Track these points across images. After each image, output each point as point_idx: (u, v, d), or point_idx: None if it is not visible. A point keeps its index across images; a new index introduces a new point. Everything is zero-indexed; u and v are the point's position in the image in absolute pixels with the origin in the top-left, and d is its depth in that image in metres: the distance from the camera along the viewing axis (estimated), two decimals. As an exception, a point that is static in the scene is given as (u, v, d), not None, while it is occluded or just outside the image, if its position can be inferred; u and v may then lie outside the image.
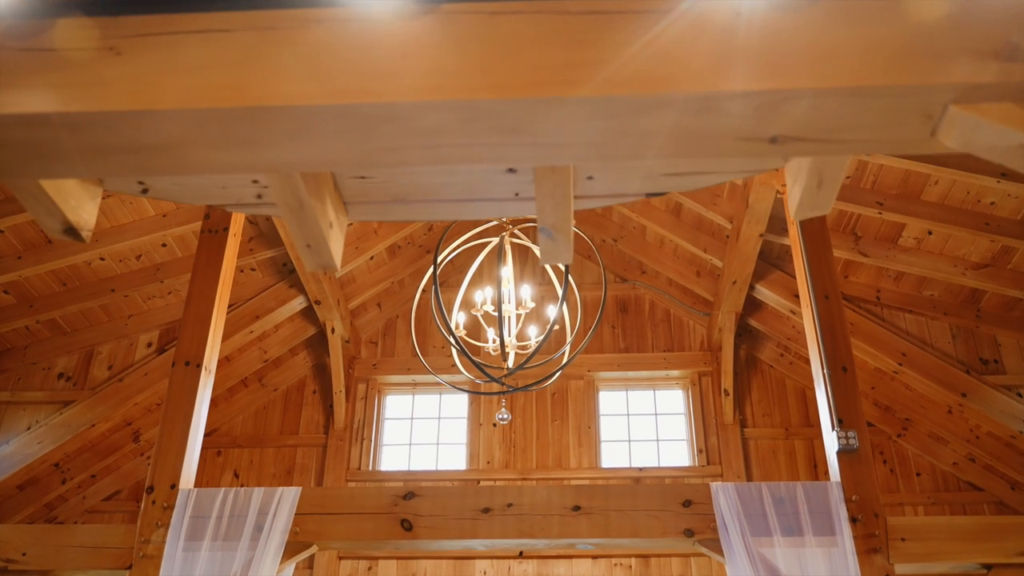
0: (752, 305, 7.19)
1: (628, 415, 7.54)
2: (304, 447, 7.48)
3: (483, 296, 4.78)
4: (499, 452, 7.33)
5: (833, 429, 4.19)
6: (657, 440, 7.40)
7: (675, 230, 7.16)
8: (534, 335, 4.87)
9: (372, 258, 7.57)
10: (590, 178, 2.11)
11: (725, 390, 7.24)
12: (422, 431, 7.59)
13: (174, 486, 4.26)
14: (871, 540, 3.94)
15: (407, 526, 4.13)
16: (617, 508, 4.10)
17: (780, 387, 7.51)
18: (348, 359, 7.64)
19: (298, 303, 7.09)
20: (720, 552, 3.98)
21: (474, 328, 5.27)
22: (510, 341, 4.58)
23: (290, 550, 4.10)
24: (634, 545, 4.18)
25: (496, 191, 2.16)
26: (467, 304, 5.00)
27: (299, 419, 7.62)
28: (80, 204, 2.07)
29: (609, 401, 7.62)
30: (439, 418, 7.63)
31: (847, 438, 4.10)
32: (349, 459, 7.33)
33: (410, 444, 7.53)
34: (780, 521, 4.00)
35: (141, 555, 4.09)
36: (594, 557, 6.86)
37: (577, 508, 4.12)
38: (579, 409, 7.48)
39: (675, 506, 4.12)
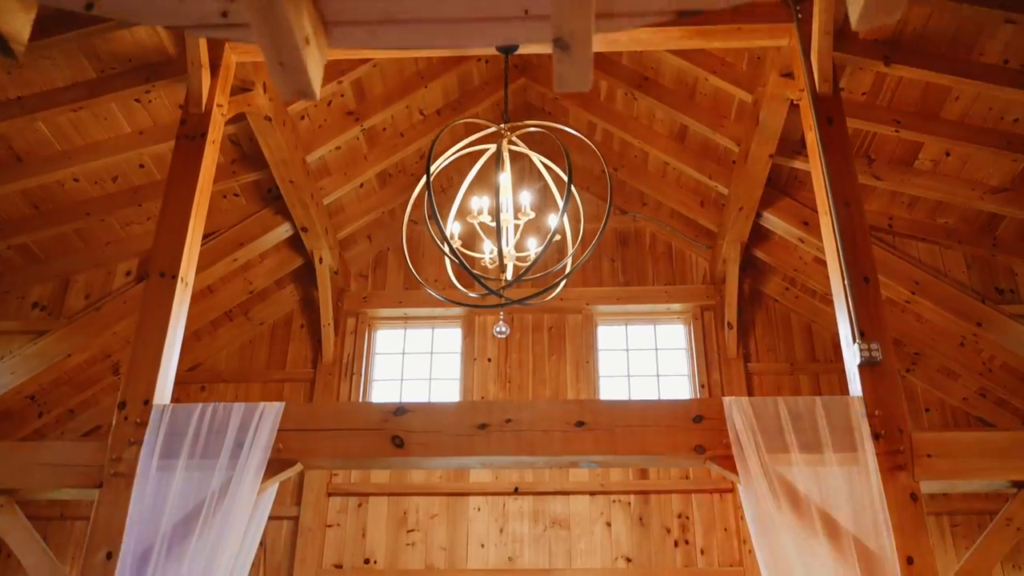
0: (758, 235, 6.90)
1: (627, 350, 7.27)
2: (292, 382, 7.21)
3: (479, 204, 4.47)
4: (494, 387, 7.07)
5: (854, 342, 3.91)
6: (657, 375, 7.14)
7: (679, 156, 6.84)
8: (533, 247, 4.57)
9: (362, 186, 7.24)
10: (612, -12, 1.79)
11: (728, 323, 6.98)
12: (414, 366, 7.32)
13: (147, 402, 3.97)
14: (895, 457, 3.68)
15: (398, 443, 3.85)
16: (624, 424, 3.83)
17: (785, 322, 7.25)
18: (337, 292, 7.34)
19: (284, 230, 6.77)
20: (733, 470, 3.72)
21: (469, 241, 4.97)
22: (508, 252, 4.28)
23: (272, 468, 3.83)
24: (642, 462, 3.92)
25: (503, 7, 1.84)
26: (462, 214, 4.69)
27: (286, 354, 7.34)
28: (11, 13, 1.75)
29: (608, 336, 7.36)
30: (431, 353, 7.35)
31: (870, 350, 3.83)
32: (338, 394, 7.06)
33: (401, 379, 7.26)
34: (798, 437, 3.74)
35: (112, 473, 3.82)
36: (591, 494, 6.64)
37: (581, 424, 3.84)
38: (577, 343, 7.21)
39: (685, 422, 3.85)
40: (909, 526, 3.54)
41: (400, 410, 3.94)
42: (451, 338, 7.41)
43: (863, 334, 3.94)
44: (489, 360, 7.16)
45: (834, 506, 3.60)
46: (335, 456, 3.88)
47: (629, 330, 7.38)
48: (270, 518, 6.59)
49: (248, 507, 3.71)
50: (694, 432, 3.82)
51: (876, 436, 3.71)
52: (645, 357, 7.25)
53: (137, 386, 4.02)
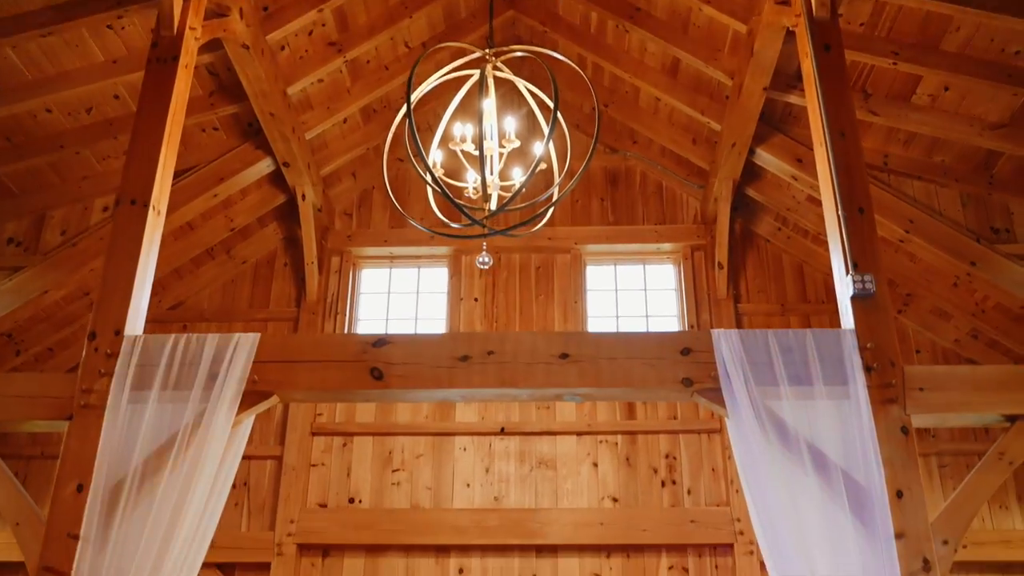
0: (750, 173, 6.75)
1: (616, 290, 7.17)
2: (275, 321, 7.09)
3: (463, 131, 4.31)
4: (480, 327, 6.97)
5: (847, 274, 3.80)
6: (647, 316, 7.05)
7: (671, 91, 6.66)
8: (519, 176, 4.43)
9: (345, 121, 7.05)
10: None
11: (719, 263, 6.87)
12: (399, 306, 7.20)
13: (119, 332, 3.85)
14: (887, 390, 3.60)
15: (377, 375, 3.75)
16: (609, 356, 3.73)
17: (777, 262, 7.14)
18: (321, 230, 7.19)
19: (265, 166, 6.60)
20: (721, 403, 3.63)
21: (453, 173, 4.82)
22: (492, 180, 4.14)
23: (248, 400, 3.72)
24: (627, 395, 3.83)
25: None
26: (445, 142, 4.53)
27: (269, 293, 7.22)
28: None
29: (597, 276, 7.25)
30: (417, 292, 7.24)
31: (863, 282, 3.72)
32: (322, 333, 6.95)
33: (386, 319, 7.15)
34: (787, 370, 3.64)
35: (82, 405, 3.71)
36: (578, 434, 6.58)
37: (565, 356, 3.74)
38: (565, 283, 7.10)
39: (672, 354, 3.75)
40: (899, 460, 3.47)
41: (380, 342, 3.82)
42: (437, 278, 7.29)
43: (856, 266, 3.83)
44: (476, 300, 7.05)
45: (823, 440, 3.52)
46: (312, 388, 3.77)
47: (618, 270, 7.26)
48: (254, 457, 6.54)
49: (222, 440, 3.61)
50: (681, 365, 3.73)
51: (868, 369, 3.62)
52: (634, 298, 7.14)
53: (108, 316, 3.89)
